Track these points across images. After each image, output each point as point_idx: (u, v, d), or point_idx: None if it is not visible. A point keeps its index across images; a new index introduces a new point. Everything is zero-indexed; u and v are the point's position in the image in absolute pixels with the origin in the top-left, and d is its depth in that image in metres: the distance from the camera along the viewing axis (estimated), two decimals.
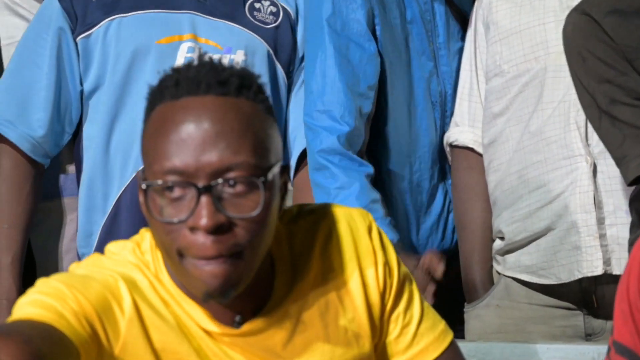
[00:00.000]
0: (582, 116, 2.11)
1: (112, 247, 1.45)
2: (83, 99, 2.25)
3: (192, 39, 2.22)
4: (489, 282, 2.27)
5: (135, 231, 2.06)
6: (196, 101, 1.30)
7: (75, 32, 2.21)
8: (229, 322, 1.39)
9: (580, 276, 2.13)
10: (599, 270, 2.11)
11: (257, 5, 2.30)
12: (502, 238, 2.24)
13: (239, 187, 1.29)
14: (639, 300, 1.48)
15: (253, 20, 2.28)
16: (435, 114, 2.37)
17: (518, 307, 2.21)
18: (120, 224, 2.20)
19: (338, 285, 1.45)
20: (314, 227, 1.47)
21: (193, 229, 1.28)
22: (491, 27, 2.25)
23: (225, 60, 2.10)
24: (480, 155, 2.30)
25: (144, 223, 2.08)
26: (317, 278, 1.45)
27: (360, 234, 1.47)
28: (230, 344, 1.39)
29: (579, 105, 2.11)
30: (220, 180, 1.28)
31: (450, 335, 1.54)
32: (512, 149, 2.21)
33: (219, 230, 1.28)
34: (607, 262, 2.11)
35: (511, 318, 2.21)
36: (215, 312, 1.38)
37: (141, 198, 1.32)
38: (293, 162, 2.30)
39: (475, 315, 2.25)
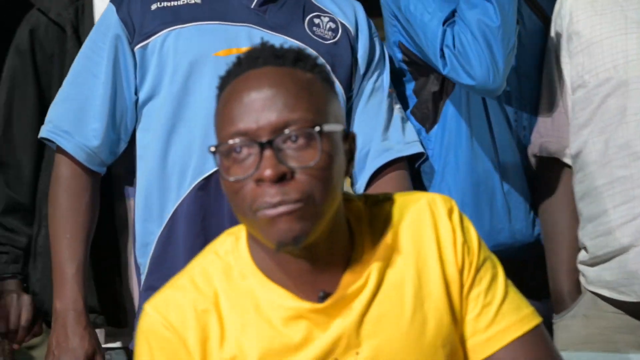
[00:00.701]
0: None
1: (191, 265, 1.57)
2: (137, 107, 2.25)
3: None
4: (577, 292, 2.26)
5: (191, 243, 2.15)
6: (255, 72, 1.44)
7: (132, 42, 2.22)
8: (313, 299, 1.48)
9: None
10: None
11: (316, 20, 2.28)
12: (585, 249, 2.24)
13: (300, 142, 1.41)
14: None
15: (312, 35, 2.26)
16: (508, 106, 2.39)
17: (605, 317, 2.20)
18: (177, 235, 2.18)
19: (416, 262, 1.52)
20: (396, 210, 1.55)
21: (259, 182, 1.39)
22: (573, 38, 2.25)
23: None
24: (566, 165, 2.30)
25: (200, 235, 2.15)
26: (395, 255, 1.52)
27: (440, 216, 1.54)
28: (314, 321, 1.47)
29: None
30: (280, 135, 1.39)
31: (536, 320, 1.55)
32: (597, 161, 2.20)
33: (282, 180, 1.39)
34: None
35: (598, 328, 2.20)
36: (298, 291, 1.48)
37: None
38: (364, 181, 2.28)
39: (562, 326, 2.24)
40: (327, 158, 1.42)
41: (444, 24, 2.23)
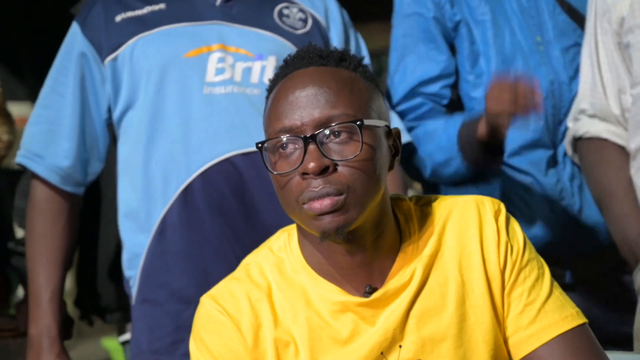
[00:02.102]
0: None
1: (247, 260, 1.62)
2: (114, 123, 2.21)
3: (221, 49, 2.16)
4: None
5: (183, 251, 2.12)
6: (301, 72, 1.52)
7: (102, 56, 2.17)
8: (359, 294, 1.54)
9: None
10: None
11: (285, 11, 2.25)
12: None
13: (342, 136, 1.48)
14: None
15: (283, 26, 2.23)
16: (546, 103, 2.41)
17: None
18: (167, 244, 2.14)
19: (459, 259, 1.57)
20: (445, 210, 1.60)
21: (304, 175, 1.46)
22: (636, 31, 2.19)
23: (258, 68, 2.13)
24: (615, 144, 2.25)
25: (193, 242, 2.12)
26: (440, 252, 1.57)
27: (487, 217, 1.58)
28: (360, 314, 1.53)
29: None
30: (323, 130, 1.47)
31: (581, 320, 1.58)
32: None
33: (325, 172, 1.46)
34: None
35: None
36: (346, 285, 1.54)
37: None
38: None
39: None
40: (368, 151, 1.48)
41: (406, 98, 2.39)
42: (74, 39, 2.20)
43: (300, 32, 2.23)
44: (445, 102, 2.45)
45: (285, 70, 1.55)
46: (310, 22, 2.26)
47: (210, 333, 1.55)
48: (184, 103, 2.13)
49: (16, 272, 2.58)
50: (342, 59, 1.55)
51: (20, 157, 2.20)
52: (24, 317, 2.42)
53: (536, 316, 1.56)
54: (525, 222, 2.39)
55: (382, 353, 1.53)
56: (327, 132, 1.48)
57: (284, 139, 1.49)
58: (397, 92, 2.44)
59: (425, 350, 1.53)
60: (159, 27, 2.17)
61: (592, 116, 2.29)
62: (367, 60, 2.26)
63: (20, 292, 2.83)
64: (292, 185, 1.49)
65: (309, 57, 1.54)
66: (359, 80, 1.53)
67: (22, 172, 2.56)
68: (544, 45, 2.44)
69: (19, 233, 2.62)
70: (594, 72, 2.29)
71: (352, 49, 2.31)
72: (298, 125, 1.48)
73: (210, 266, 2.10)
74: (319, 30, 2.27)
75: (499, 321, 1.56)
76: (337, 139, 1.48)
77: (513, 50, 2.43)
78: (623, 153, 2.25)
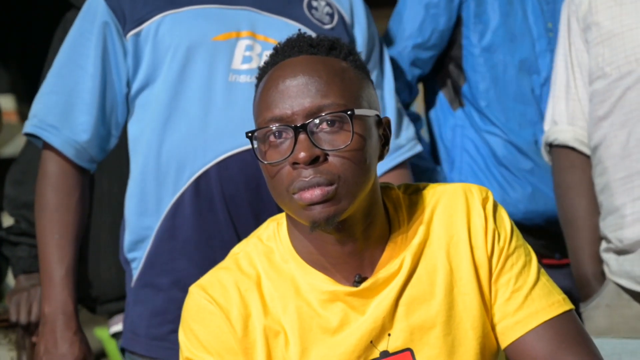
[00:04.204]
0: None
1: (236, 249, 1.63)
2: (129, 99, 2.15)
3: (250, 37, 2.13)
4: (602, 275, 2.25)
5: (192, 239, 2.10)
6: (291, 61, 1.51)
7: (124, 30, 2.11)
8: (349, 283, 1.54)
9: None
10: None
11: (314, 3, 2.22)
12: (607, 240, 2.24)
13: (333, 126, 1.47)
14: None
15: (312, 19, 2.19)
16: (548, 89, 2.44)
17: (629, 305, 2.20)
18: (177, 231, 2.11)
19: (447, 247, 1.57)
20: (433, 198, 1.60)
21: (294, 165, 1.46)
22: (593, 28, 2.24)
23: None
24: (582, 153, 2.29)
25: (203, 231, 2.10)
26: (429, 241, 1.57)
27: (474, 205, 1.58)
28: (349, 304, 1.53)
29: None
30: (313, 120, 1.46)
31: (568, 306, 1.58)
32: (617, 154, 2.20)
33: (316, 162, 1.45)
34: None
35: (622, 317, 2.20)
36: (335, 274, 1.54)
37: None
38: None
39: (585, 317, 2.24)
40: (359, 141, 1.48)
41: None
42: (96, 8, 2.13)
43: (327, 27, 2.20)
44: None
45: (276, 59, 1.55)
46: (336, 17, 2.24)
47: (200, 323, 1.55)
48: (207, 87, 2.10)
49: (6, 261, 2.57)
50: (333, 47, 1.54)
51: (34, 127, 2.12)
52: (15, 307, 2.43)
53: (523, 303, 1.56)
54: (526, 206, 2.44)
55: (371, 342, 1.53)
56: (317, 121, 1.48)
57: (274, 128, 1.48)
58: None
59: (414, 338, 1.53)
60: (189, 6, 2.12)
61: (562, 122, 2.32)
62: (389, 71, 2.31)
63: (11, 281, 2.83)
64: (283, 175, 1.48)
65: (300, 46, 1.54)
66: (350, 70, 1.53)
67: (11, 161, 2.55)
68: (554, 32, 2.46)
69: (8, 221, 2.61)
70: (568, 73, 2.31)
71: (376, 49, 2.31)
72: (288, 114, 1.48)
73: (218, 257, 2.03)
74: (345, 26, 2.25)
75: (486, 308, 1.57)
76: (328, 129, 1.48)
77: (522, 31, 2.45)
78: (588, 167, 2.29)
